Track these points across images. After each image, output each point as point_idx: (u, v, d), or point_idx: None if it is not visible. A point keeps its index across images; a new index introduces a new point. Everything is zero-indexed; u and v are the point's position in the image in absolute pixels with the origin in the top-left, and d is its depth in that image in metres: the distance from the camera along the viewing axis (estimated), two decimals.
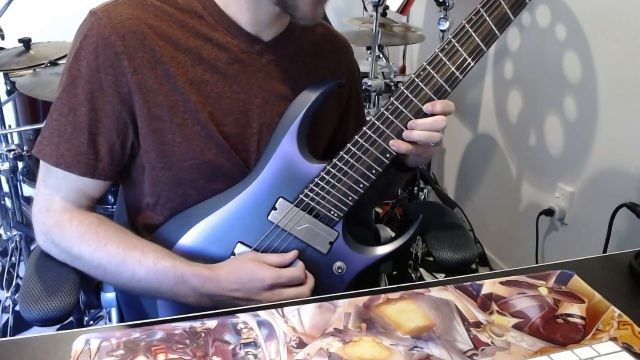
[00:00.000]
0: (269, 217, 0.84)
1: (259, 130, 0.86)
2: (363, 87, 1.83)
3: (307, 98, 0.85)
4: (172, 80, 0.80)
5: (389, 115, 0.82)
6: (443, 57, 0.80)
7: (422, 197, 2.15)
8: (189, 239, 0.84)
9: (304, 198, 0.84)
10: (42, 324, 0.79)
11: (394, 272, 1.96)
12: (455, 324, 0.69)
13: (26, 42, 1.79)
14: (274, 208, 0.84)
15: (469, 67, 0.80)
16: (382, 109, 0.82)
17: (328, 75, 0.93)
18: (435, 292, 0.74)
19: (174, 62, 0.80)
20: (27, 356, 0.63)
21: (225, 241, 0.84)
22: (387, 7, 2.02)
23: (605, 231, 1.37)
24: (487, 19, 0.79)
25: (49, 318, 0.79)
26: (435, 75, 0.80)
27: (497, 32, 0.79)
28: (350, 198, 0.85)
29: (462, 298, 0.73)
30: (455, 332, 0.67)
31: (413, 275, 2.01)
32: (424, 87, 0.81)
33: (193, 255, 0.83)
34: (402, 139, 0.82)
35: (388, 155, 0.83)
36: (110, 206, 1.63)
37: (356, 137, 0.83)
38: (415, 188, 2.13)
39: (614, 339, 0.67)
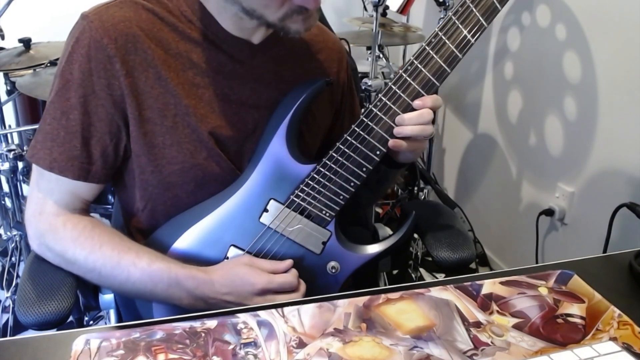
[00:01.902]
0: (261, 219, 0.84)
1: (252, 132, 0.86)
2: (363, 87, 1.83)
3: (295, 98, 0.84)
4: (164, 82, 0.79)
5: (378, 112, 0.81)
6: (430, 51, 0.79)
7: (422, 197, 2.15)
8: (182, 243, 0.83)
9: (295, 199, 0.84)
10: (39, 328, 0.78)
11: (394, 272, 1.96)
12: (455, 324, 0.69)
13: (26, 42, 1.79)
14: (265, 210, 0.83)
15: (457, 59, 0.79)
16: (370, 106, 0.82)
17: (319, 75, 0.92)
18: (435, 292, 0.74)
19: (165, 65, 0.79)
20: (27, 356, 0.63)
21: (218, 245, 0.83)
22: (387, 7, 2.02)
23: (605, 231, 1.37)
24: (474, 10, 0.78)
25: (46, 322, 0.78)
26: (422, 69, 0.79)
27: (484, 22, 0.78)
28: (341, 197, 0.85)
29: (462, 298, 0.73)
30: (455, 332, 0.67)
31: (413, 275, 2.01)
32: (412, 82, 0.80)
33: (187, 260, 0.82)
34: (394, 136, 0.82)
35: (378, 153, 0.83)
36: (110, 206, 1.63)
37: (345, 135, 0.83)
38: (415, 188, 2.13)
39: (614, 339, 0.67)
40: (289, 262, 0.83)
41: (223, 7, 0.80)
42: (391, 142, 0.82)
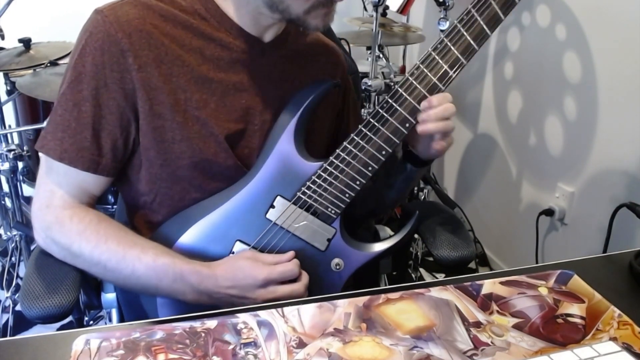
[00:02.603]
0: (267, 215, 0.84)
1: (260, 128, 0.87)
2: (363, 87, 1.83)
3: (304, 97, 0.86)
4: (176, 78, 0.81)
5: (384, 114, 0.83)
6: (436, 56, 0.82)
7: (422, 197, 2.16)
8: (188, 238, 0.84)
9: (301, 196, 0.85)
10: (43, 321, 0.79)
11: (394, 272, 1.96)
12: (455, 324, 0.69)
13: (26, 42, 1.79)
14: (272, 206, 0.84)
15: (462, 65, 0.82)
16: (377, 108, 0.84)
17: (322, 76, 0.95)
18: (435, 292, 0.74)
19: (178, 61, 0.81)
20: (27, 356, 0.63)
21: (224, 240, 0.84)
22: (387, 7, 2.02)
23: (605, 231, 1.37)
24: (478, 18, 0.80)
25: (50, 315, 0.79)
26: (428, 74, 0.82)
27: (488, 31, 0.81)
28: (347, 195, 0.85)
29: (462, 298, 0.74)
30: (455, 332, 0.67)
31: (413, 275, 2.01)
32: (418, 86, 0.82)
33: (193, 254, 0.83)
34: (400, 138, 0.84)
35: (384, 153, 0.84)
36: (110, 206, 1.63)
37: (352, 135, 0.84)
38: (415, 188, 2.13)
39: (614, 339, 0.67)
40: (290, 254, 0.84)
41: (245, 1, 0.82)
42: (435, 144, 0.85)
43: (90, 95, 0.79)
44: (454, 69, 0.82)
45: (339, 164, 0.84)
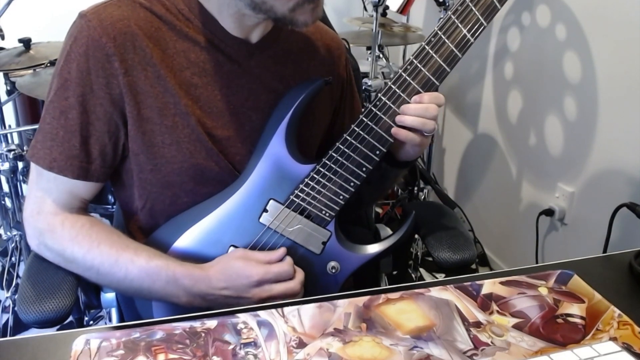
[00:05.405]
0: (261, 220, 0.84)
1: (251, 133, 0.86)
2: (363, 87, 1.83)
3: (294, 98, 0.84)
4: (163, 82, 0.79)
5: (377, 112, 0.81)
6: (430, 50, 0.79)
7: (422, 197, 2.16)
8: (182, 243, 0.84)
9: (294, 199, 0.84)
10: (40, 326, 0.79)
11: (394, 272, 1.96)
12: (455, 324, 0.69)
13: (26, 42, 1.79)
14: (265, 210, 0.83)
15: (457, 59, 0.80)
16: (370, 106, 0.82)
17: (319, 74, 0.92)
18: (435, 292, 0.74)
19: (163, 64, 0.80)
20: (27, 356, 0.63)
21: (218, 245, 0.83)
22: (387, 7, 2.02)
23: (605, 231, 1.37)
24: (473, 9, 0.78)
25: (47, 320, 0.78)
26: (422, 69, 0.80)
27: (483, 21, 0.78)
28: (341, 197, 0.85)
29: (462, 298, 0.73)
30: (455, 332, 0.67)
31: (413, 275, 2.01)
32: (412, 82, 0.80)
33: (187, 260, 0.82)
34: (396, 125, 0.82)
35: (378, 152, 0.83)
36: (110, 206, 1.63)
37: (345, 135, 0.83)
38: (415, 188, 2.13)
39: (614, 339, 0.67)
40: (282, 251, 0.83)
41: (226, 4, 0.80)
42: (394, 130, 0.82)
43: (77, 102, 0.78)
44: (449, 64, 0.79)
45: (332, 166, 0.83)
